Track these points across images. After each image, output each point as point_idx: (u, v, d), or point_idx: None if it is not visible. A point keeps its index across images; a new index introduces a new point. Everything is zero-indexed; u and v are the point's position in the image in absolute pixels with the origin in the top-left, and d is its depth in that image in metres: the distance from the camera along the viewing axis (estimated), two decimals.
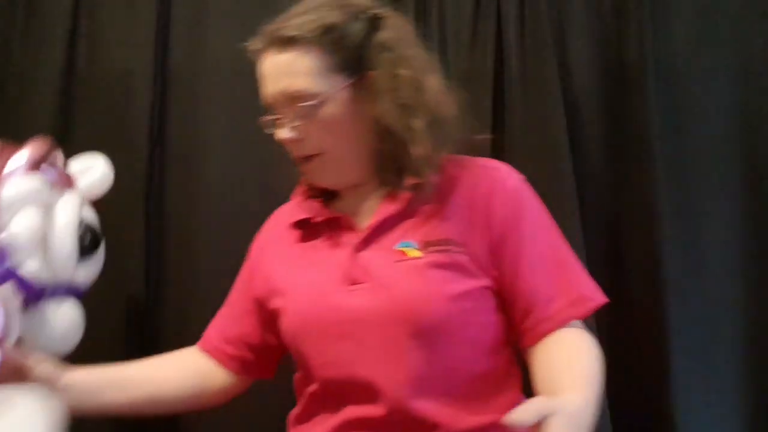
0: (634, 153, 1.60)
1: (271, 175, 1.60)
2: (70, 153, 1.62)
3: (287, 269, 1.07)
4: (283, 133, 1.02)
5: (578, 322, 1.00)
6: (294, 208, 1.12)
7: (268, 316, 1.09)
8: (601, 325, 1.54)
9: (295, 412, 1.10)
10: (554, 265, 1.00)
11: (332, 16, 1.00)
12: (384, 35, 1.02)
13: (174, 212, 1.63)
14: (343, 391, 0.99)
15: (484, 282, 0.99)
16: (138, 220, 1.60)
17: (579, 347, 0.96)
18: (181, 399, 1.14)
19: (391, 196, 1.04)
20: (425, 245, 0.99)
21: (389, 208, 1.03)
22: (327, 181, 1.07)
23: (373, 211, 1.05)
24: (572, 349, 0.95)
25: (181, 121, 1.65)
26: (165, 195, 1.64)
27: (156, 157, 1.63)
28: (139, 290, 1.59)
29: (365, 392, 0.96)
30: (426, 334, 0.95)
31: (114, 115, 1.64)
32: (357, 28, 1.01)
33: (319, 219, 1.07)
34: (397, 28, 1.04)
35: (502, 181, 1.04)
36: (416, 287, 0.96)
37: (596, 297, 1.02)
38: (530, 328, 0.99)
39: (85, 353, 1.58)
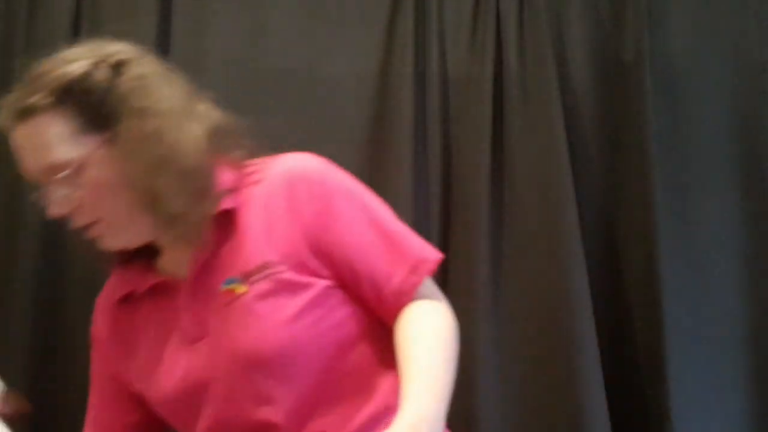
0: (632, 153, 1.60)
1: None
2: None
3: (133, 351, 1.01)
4: (54, 209, 0.93)
5: (427, 284, 0.97)
6: (116, 284, 1.05)
7: (136, 396, 1.04)
8: (599, 325, 1.55)
9: None
10: (382, 241, 0.95)
11: (70, 72, 0.90)
12: (127, 83, 0.92)
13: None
14: None
15: (322, 284, 0.94)
16: None
17: (421, 327, 0.93)
18: None
19: (198, 236, 0.95)
20: (246, 276, 0.93)
21: (200, 253, 0.95)
22: (117, 245, 0.97)
23: (184, 258, 0.97)
24: (414, 332, 0.92)
25: None
26: None
27: None
28: None
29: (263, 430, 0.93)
30: (282, 366, 0.92)
31: None
32: (99, 79, 0.91)
33: (142, 290, 1.00)
34: (143, 73, 0.94)
35: (300, 178, 0.96)
36: (251, 328, 0.92)
37: (431, 256, 0.98)
38: (383, 307, 0.96)
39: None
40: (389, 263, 0.95)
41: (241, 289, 0.93)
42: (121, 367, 1.03)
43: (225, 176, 0.96)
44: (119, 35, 1.63)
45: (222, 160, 0.97)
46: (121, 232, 0.96)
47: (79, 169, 0.90)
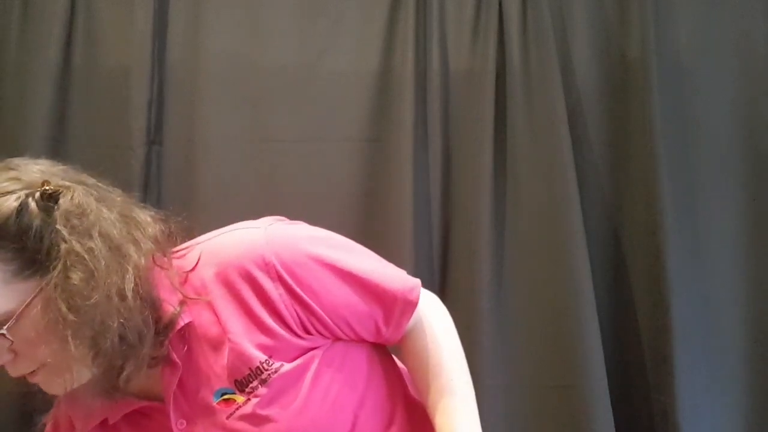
0: (636, 150, 1.59)
1: (269, 175, 1.59)
2: (66, 151, 1.62)
3: None
4: None
5: (426, 298, 0.98)
6: (80, 412, 0.94)
7: None
8: (604, 325, 1.54)
9: None
10: (362, 291, 0.92)
11: (1, 209, 0.79)
12: (63, 218, 0.82)
13: (172, 211, 1.61)
14: None
15: (320, 352, 0.91)
16: None
17: (434, 350, 0.95)
18: None
19: (158, 364, 0.89)
20: (240, 386, 0.87)
21: (169, 372, 0.89)
22: (65, 388, 0.87)
23: (157, 380, 0.90)
24: (429, 355, 0.95)
25: (179, 119, 1.63)
26: (162, 194, 1.62)
27: (153, 156, 1.61)
28: None
29: None
30: None
31: (111, 114, 1.62)
32: (33, 215, 0.80)
33: (116, 418, 0.92)
34: (79, 203, 0.84)
35: (255, 266, 0.88)
36: None
37: (413, 290, 0.95)
38: (383, 340, 0.97)
39: None
40: (378, 309, 0.93)
41: (240, 398, 0.88)
42: None
43: (165, 287, 0.88)
44: (115, 32, 1.64)
45: (160, 272, 0.89)
46: (67, 375, 0.85)
47: (17, 320, 0.79)
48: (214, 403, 0.88)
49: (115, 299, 0.82)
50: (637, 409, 1.56)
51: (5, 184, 0.82)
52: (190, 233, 0.95)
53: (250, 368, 0.87)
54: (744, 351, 1.59)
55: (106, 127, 1.63)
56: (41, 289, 0.81)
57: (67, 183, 0.86)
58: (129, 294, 0.83)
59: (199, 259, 0.90)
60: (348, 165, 1.60)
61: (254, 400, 0.87)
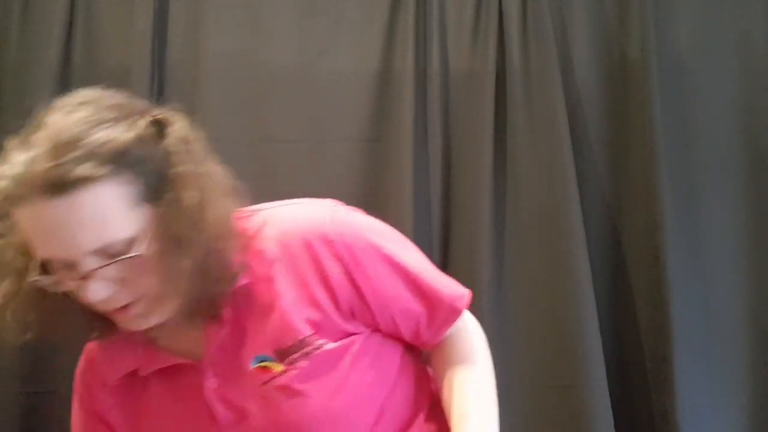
0: (636, 150, 1.59)
1: (269, 174, 1.59)
2: None
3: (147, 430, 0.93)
4: (96, 293, 0.80)
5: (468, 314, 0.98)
6: (111, 359, 0.94)
7: None
8: (604, 325, 1.54)
9: None
10: (413, 290, 0.92)
11: (121, 137, 0.78)
12: (173, 147, 0.83)
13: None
14: None
15: (360, 339, 0.91)
16: None
17: (468, 374, 0.94)
18: None
19: (208, 313, 0.89)
20: (281, 355, 0.87)
21: (215, 328, 0.88)
22: (150, 324, 0.86)
23: (199, 338, 0.89)
24: (464, 376, 0.94)
25: None
26: None
27: None
28: None
29: None
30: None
31: None
32: (149, 143, 0.81)
33: (149, 370, 0.91)
34: (185, 136, 0.86)
35: (318, 239, 0.88)
36: (299, 409, 0.87)
37: (462, 295, 0.96)
38: (419, 343, 0.98)
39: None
40: (424, 312, 0.93)
41: (278, 368, 0.87)
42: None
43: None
44: (115, 32, 1.64)
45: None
46: (160, 307, 0.85)
47: (131, 245, 0.79)
48: (251, 368, 0.88)
49: (220, 228, 0.84)
50: (637, 409, 1.56)
51: (109, 114, 0.80)
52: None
53: (295, 339, 0.86)
54: (744, 351, 1.59)
55: None
56: (159, 214, 0.80)
57: (168, 112, 0.86)
58: (228, 228, 0.85)
59: (263, 225, 0.90)
60: (348, 165, 1.60)
61: (293, 372, 0.87)
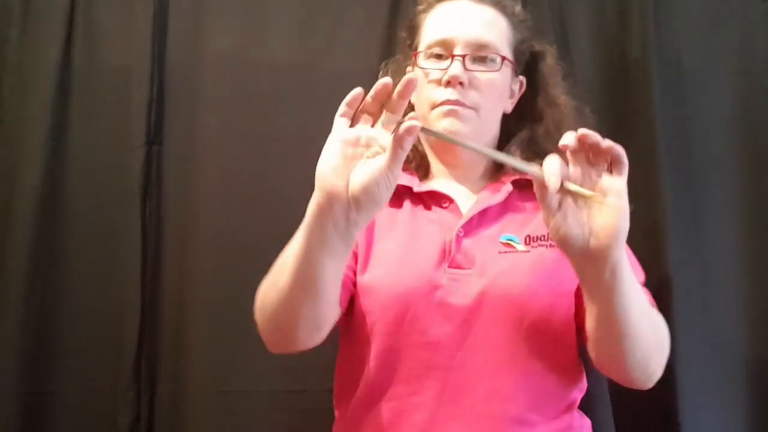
0: (636, 150, 1.58)
1: (269, 174, 1.59)
2: (66, 151, 1.62)
3: (385, 238, 1.05)
4: (457, 70, 1.03)
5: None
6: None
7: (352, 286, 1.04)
8: None
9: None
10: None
11: (524, 14, 1.15)
12: (541, 51, 1.18)
13: (172, 211, 1.62)
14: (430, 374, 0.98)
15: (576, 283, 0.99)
16: (135, 219, 1.59)
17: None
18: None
19: (491, 185, 1.07)
20: (529, 240, 1.01)
21: (490, 198, 1.05)
22: (464, 133, 1.04)
23: (471, 197, 1.07)
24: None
25: (179, 119, 1.63)
26: (162, 194, 1.62)
27: (153, 156, 1.61)
28: (136, 289, 1.57)
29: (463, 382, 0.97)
30: (534, 334, 0.97)
31: (111, 113, 1.63)
32: (525, 28, 1.15)
33: (420, 190, 1.07)
34: (551, 64, 1.19)
35: None
36: (524, 279, 0.97)
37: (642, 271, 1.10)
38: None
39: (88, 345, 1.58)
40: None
41: (521, 247, 1.01)
42: (368, 246, 1.04)
43: None
44: (115, 32, 1.64)
45: None
46: (481, 128, 1.07)
47: (498, 64, 1.06)
48: (499, 240, 1.02)
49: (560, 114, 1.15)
50: (637, 409, 1.56)
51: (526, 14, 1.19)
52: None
53: (544, 232, 1.00)
54: (744, 351, 1.58)
55: (106, 127, 1.63)
56: (513, 70, 1.13)
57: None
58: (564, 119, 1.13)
59: None
60: None
61: (536, 253, 1.01)
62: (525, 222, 1.04)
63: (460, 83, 1.04)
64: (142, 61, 1.61)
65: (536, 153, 1.05)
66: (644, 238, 1.56)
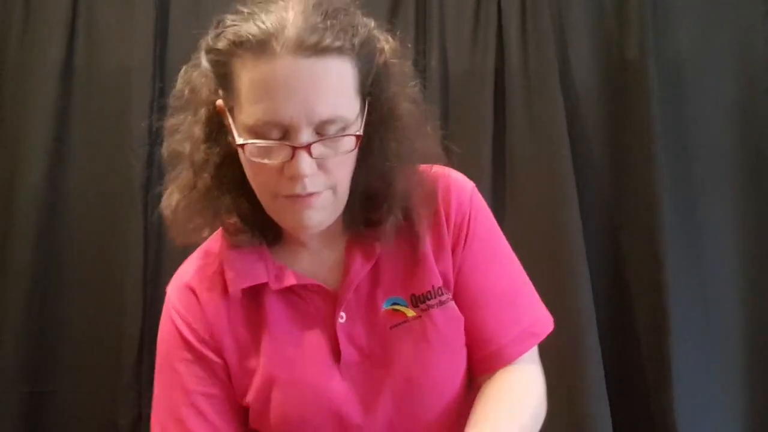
0: (636, 151, 1.59)
1: None
2: (68, 151, 1.62)
3: (265, 343, 0.88)
4: (305, 168, 0.77)
5: (531, 352, 0.94)
6: (233, 268, 0.89)
7: (241, 411, 0.91)
8: (603, 326, 1.53)
9: None
10: (506, 298, 0.91)
11: (367, 26, 0.82)
12: (388, 58, 0.85)
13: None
14: None
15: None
16: (136, 218, 1.59)
17: (512, 396, 0.88)
18: None
19: (353, 242, 0.88)
20: (415, 301, 0.87)
21: (360, 260, 0.87)
22: (322, 224, 0.84)
23: (337, 262, 0.88)
24: (503, 398, 0.87)
25: None
26: (163, 195, 1.62)
27: (154, 157, 1.62)
28: (138, 289, 1.57)
29: None
30: (438, 400, 0.88)
31: (112, 113, 1.63)
32: (378, 44, 0.84)
33: (279, 287, 0.87)
34: (397, 50, 0.88)
35: (458, 195, 0.90)
36: (426, 359, 0.86)
37: (544, 328, 0.94)
38: (480, 360, 0.91)
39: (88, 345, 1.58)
40: (504, 322, 0.90)
41: (409, 312, 0.87)
42: (246, 375, 0.89)
43: None
44: (117, 33, 1.65)
45: None
46: (338, 206, 0.84)
47: (347, 129, 0.79)
48: (383, 309, 0.87)
49: (424, 141, 0.88)
50: (637, 409, 1.56)
51: (364, 20, 0.83)
52: None
53: (432, 286, 0.87)
54: (744, 351, 1.58)
55: (107, 127, 1.63)
56: (364, 111, 0.82)
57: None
58: (407, 150, 0.86)
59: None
60: None
61: (426, 320, 0.86)
62: (405, 275, 0.88)
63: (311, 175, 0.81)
64: (142, 61, 1.62)
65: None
66: (643, 237, 1.56)
